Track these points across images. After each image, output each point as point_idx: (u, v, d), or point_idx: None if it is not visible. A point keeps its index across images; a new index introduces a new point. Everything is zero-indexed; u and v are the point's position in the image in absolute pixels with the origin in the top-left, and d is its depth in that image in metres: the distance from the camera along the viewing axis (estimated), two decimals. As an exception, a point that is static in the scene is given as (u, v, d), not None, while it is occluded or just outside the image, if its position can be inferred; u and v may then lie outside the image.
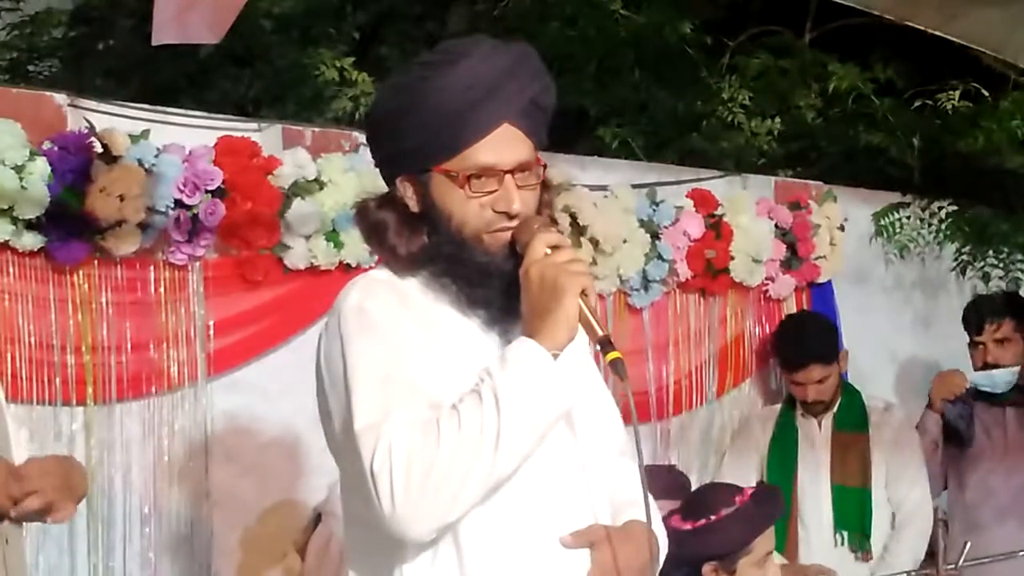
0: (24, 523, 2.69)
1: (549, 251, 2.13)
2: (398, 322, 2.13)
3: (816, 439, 4.69)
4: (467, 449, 2.00)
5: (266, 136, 4.01)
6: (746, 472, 4.62)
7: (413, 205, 2.22)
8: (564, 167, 4.48)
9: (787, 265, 5.15)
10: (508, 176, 2.17)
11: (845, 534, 4.61)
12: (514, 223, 2.18)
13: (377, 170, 2.34)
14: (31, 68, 5.61)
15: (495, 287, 2.19)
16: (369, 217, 2.25)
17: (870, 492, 4.65)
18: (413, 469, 1.98)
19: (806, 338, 4.71)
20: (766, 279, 5.09)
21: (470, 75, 2.16)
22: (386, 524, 2.01)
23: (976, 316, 4.90)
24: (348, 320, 2.12)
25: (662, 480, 4.00)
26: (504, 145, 2.18)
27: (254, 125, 4.07)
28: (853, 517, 4.63)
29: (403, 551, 2.12)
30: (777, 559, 4.20)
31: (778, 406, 4.84)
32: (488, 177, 2.16)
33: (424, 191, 2.20)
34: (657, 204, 4.74)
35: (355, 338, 2.10)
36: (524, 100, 2.21)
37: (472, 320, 2.21)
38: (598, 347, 2.14)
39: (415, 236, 2.20)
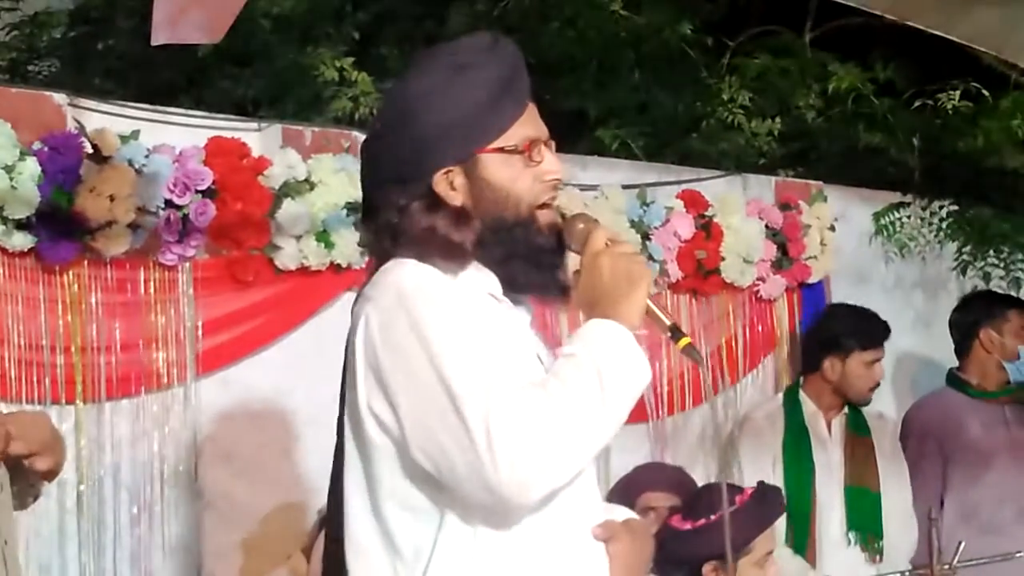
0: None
1: (608, 243, 2.23)
2: (460, 301, 2.16)
3: (827, 440, 4.71)
4: (580, 415, 2.06)
5: (266, 136, 4.02)
6: (764, 475, 4.59)
7: (458, 197, 2.23)
8: (565, 167, 4.48)
9: (778, 265, 5.15)
10: (546, 145, 2.28)
11: (857, 535, 4.62)
12: (555, 194, 2.28)
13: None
14: (30, 68, 5.61)
15: (547, 268, 2.27)
16: (421, 223, 2.22)
17: (880, 495, 4.68)
18: (536, 432, 2.01)
19: (877, 315, 4.79)
20: (757, 279, 5.08)
21: (504, 57, 2.26)
22: (495, 489, 2.00)
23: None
24: (413, 297, 2.12)
25: (667, 474, 4.03)
26: (535, 118, 2.29)
27: (254, 125, 4.08)
28: (866, 519, 4.66)
29: (444, 530, 2.12)
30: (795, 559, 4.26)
31: (775, 404, 4.83)
32: (538, 146, 2.25)
33: (471, 178, 2.23)
34: (647, 205, 4.74)
35: (427, 313, 2.10)
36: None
37: (502, 303, 2.24)
38: (668, 335, 2.25)
39: (470, 227, 2.22)
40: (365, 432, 2.16)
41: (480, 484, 2.01)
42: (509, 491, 2.01)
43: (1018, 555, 4.13)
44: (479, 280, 2.24)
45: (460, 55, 2.27)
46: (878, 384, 4.75)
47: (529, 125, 2.27)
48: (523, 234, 2.24)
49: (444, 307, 2.13)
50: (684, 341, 2.25)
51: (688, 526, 3.38)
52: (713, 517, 3.34)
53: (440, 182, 2.24)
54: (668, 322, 2.26)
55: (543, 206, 2.27)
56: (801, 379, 4.90)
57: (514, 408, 2.01)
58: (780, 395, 4.89)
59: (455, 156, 2.23)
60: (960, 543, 3.94)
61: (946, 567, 3.87)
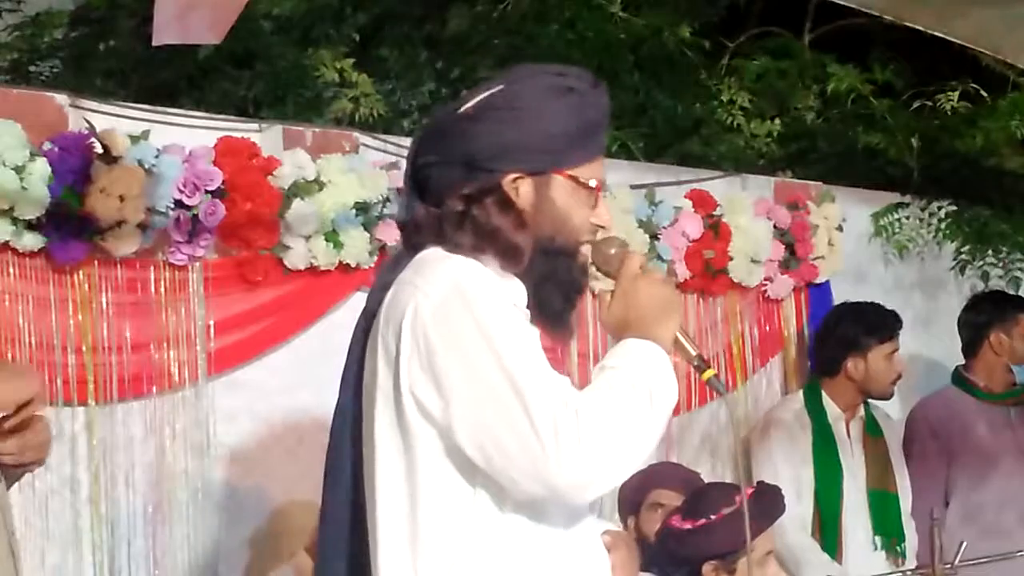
0: None
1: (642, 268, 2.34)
2: (511, 303, 2.21)
3: (847, 443, 4.71)
4: (635, 425, 2.13)
5: (266, 137, 4.02)
6: (802, 480, 4.62)
7: (525, 203, 2.27)
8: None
9: (785, 265, 5.16)
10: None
11: (881, 539, 4.64)
12: (594, 239, 2.35)
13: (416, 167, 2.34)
14: (32, 69, 5.58)
15: (570, 302, 2.34)
16: (492, 219, 2.25)
17: (898, 497, 4.72)
18: (600, 436, 2.07)
19: (882, 306, 4.86)
20: (765, 279, 5.10)
21: (602, 100, 2.34)
22: (555, 486, 2.07)
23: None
24: (473, 292, 2.16)
25: (681, 474, 4.04)
26: (602, 168, 2.37)
27: (255, 125, 4.08)
28: (891, 522, 4.70)
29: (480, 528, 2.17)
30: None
31: (798, 404, 4.83)
32: (601, 192, 2.34)
33: (539, 192, 2.27)
34: (656, 205, 4.75)
35: (490, 311, 2.14)
36: None
37: (524, 315, 2.26)
38: (694, 365, 2.35)
39: (528, 232, 2.26)
40: (404, 417, 2.18)
41: (539, 479, 2.07)
42: (568, 488, 2.08)
43: (1019, 555, 4.12)
44: (509, 287, 2.26)
45: (568, 79, 2.32)
46: (900, 376, 4.77)
47: (599, 170, 2.34)
48: (566, 263, 2.30)
49: (503, 306, 2.17)
50: (709, 373, 2.36)
51: (688, 526, 3.38)
52: (713, 517, 3.34)
53: (507, 183, 2.27)
54: (694, 352, 2.35)
55: (587, 242, 2.36)
56: (820, 382, 4.87)
57: (580, 411, 2.07)
58: (800, 394, 4.88)
59: (534, 165, 2.27)
60: (962, 543, 3.94)
61: (947, 567, 3.87)
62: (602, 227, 2.35)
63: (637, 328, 2.27)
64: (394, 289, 2.24)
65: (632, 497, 3.95)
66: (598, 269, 2.39)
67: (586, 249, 2.35)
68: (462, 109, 2.31)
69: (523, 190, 2.27)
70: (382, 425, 2.23)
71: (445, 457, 2.17)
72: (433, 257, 2.24)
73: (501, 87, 2.31)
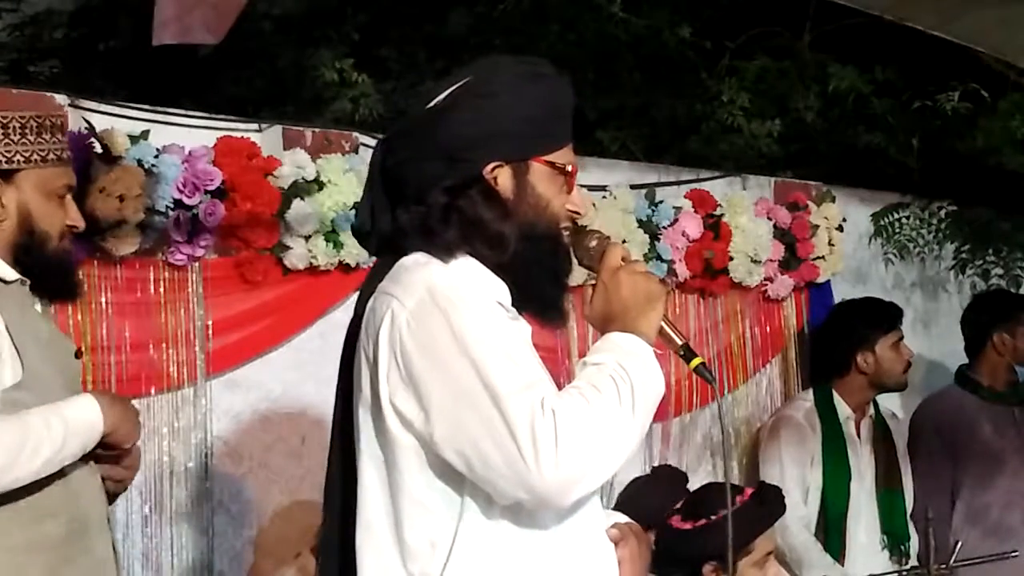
0: None
1: (624, 260, 2.31)
2: (490, 304, 2.17)
3: (857, 444, 4.71)
4: (616, 423, 2.10)
5: (267, 137, 4.01)
6: (810, 481, 4.62)
7: (506, 192, 2.26)
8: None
9: (786, 265, 5.17)
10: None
11: (888, 539, 4.65)
12: (570, 226, 2.34)
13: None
14: (32, 69, 5.62)
15: (559, 287, 2.33)
16: (478, 210, 2.24)
17: (904, 496, 4.72)
18: (579, 437, 2.04)
19: (881, 299, 4.92)
20: (765, 279, 5.10)
21: (567, 84, 2.33)
22: (535, 489, 2.04)
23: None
24: (447, 297, 2.13)
25: (666, 474, 4.02)
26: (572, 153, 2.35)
27: (255, 126, 4.06)
28: (898, 522, 4.69)
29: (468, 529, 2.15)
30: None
31: (806, 405, 4.81)
32: (575, 176, 2.32)
33: (518, 179, 2.26)
34: (656, 205, 4.76)
35: (464, 315, 2.12)
36: None
37: (509, 313, 2.24)
38: (680, 354, 2.33)
39: (512, 220, 2.25)
40: (386, 427, 2.17)
41: (520, 484, 2.04)
42: (549, 492, 2.05)
43: (1014, 555, 4.13)
44: (493, 285, 2.24)
45: (536, 66, 2.32)
46: (910, 364, 4.76)
47: (572, 156, 2.32)
48: (550, 247, 2.29)
49: (479, 309, 2.14)
50: (696, 361, 2.33)
51: (688, 526, 3.38)
52: (713, 517, 3.34)
53: (489, 173, 2.25)
54: (680, 341, 2.34)
55: (565, 229, 2.34)
56: (830, 381, 4.85)
57: (557, 412, 2.04)
58: (810, 393, 4.86)
59: (512, 153, 2.25)
60: (957, 543, 3.95)
61: (943, 567, 3.88)
62: (577, 213, 2.34)
63: (620, 321, 2.24)
64: (373, 299, 2.22)
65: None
66: (579, 263, 2.37)
67: (566, 234, 2.33)
68: (432, 103, 2.27)
69: (502, 179, 2.25)
70: (366, 436, 2.22)
71: (429, 467, 2.15)
72: (410, 264, 2.21)
73: (470, 78, 2.28)
